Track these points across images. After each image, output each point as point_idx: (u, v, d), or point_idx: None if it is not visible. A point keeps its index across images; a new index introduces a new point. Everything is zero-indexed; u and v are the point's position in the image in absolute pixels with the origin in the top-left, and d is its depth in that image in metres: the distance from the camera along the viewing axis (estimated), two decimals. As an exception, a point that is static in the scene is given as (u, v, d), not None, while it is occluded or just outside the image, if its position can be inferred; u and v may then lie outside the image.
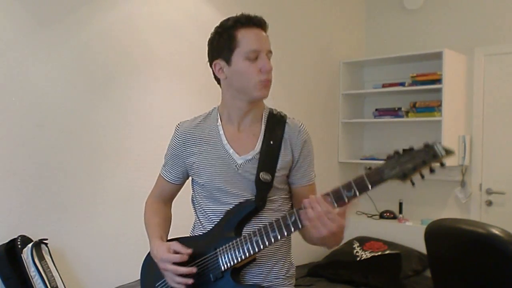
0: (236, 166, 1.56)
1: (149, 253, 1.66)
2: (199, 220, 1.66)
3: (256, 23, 1.56)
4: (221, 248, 1.51)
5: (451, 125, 3.91)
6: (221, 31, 1.58)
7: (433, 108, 3.97)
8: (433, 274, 2.28)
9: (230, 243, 1.49)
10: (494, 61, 3.95)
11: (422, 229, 2.29)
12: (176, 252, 1.51)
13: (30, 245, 2.50)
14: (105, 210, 2.94)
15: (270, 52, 1.55)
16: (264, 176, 1.53)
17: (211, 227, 1.59)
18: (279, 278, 1.59)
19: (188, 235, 1.69)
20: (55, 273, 2.55)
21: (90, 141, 2.87)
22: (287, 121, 1.63)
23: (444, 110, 3.83)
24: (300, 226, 1.39)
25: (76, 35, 2.81)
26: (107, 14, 2.93)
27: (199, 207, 1.66)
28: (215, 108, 1.68)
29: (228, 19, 1.59)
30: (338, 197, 1.36)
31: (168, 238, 1.67)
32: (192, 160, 1.62)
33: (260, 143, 1.57)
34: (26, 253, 2.48)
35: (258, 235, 1.44)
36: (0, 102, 2.54)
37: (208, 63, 1.65)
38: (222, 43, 1.55)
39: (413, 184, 1.35)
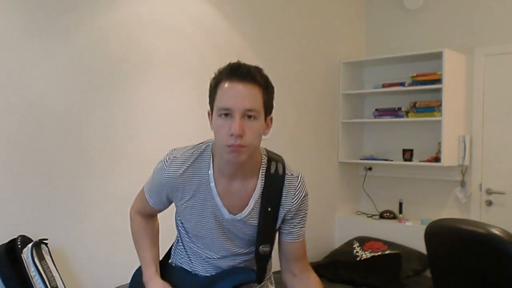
0: (222, 219, 1.50)
1: (138, 272, 1.67)
2: (183, 246, 1.64)
3: (239, 75, 1.34)
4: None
5: (451, 125, 3.91)
6: (211, 80, 1.43)
7: (433, 108, 3.97)
8: (433, 274, 2.28)
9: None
10: (494, 61, 3.95)
11: (422, 229, 2.29)
12: None
13: (30, 245, 2.50)
14: (105, 210, 2.94)
15: (251, 110, 1.33)
16: (264, 248, 1.50)
17: (200, 267, 1.59)
18: None
19: (172, 256, 1.71)
20: (55, 273, 2.55)
21: (90, 141, 2.87)
22: (285, 182, 1.49)
23: (444, 110, 3.83)
24: None
25: (75, 35, 2.81)
26: (107, 14, 2.93)
27: (183, 235, 1.62)
28: (209, 145, 1.51)
29: (220, 68, 1.42)
30: None
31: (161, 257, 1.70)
32: (179, 201, 1.53)
33: (252, 205, 1.47)
34: (26, 253, 2.48)
35: None
36: (0, 102, 2.54)
37: None
38: (209, 93, 1.43)
39: None
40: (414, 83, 4.09)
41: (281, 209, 1.49)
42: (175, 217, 1.67)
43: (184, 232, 1.62)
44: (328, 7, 4.40)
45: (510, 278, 1.85)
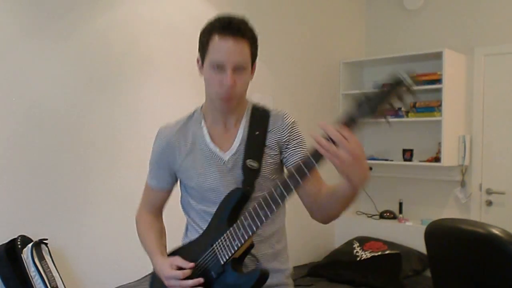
0: (224, 163, 1.54)
1: (153, 272, 1.66)
2: (193, 222, 1.63)
3: (230, 31, 1.44)
4: (217, 243, 1.49)
5: (451, 125, 3.91)
6: (203, 31, 1.53)
7: (433, 108, 3.97)
8: (433, 274, 2.28)
9: (225, 235, 1.47)
10: (494, 61, 3.95)
11: (422, 229, 2.29)
12: (179, 267, 1.51)
13: (30, 245, 2.50)
14: (105, 210, 2.94)
15: (242, 63, 1.46)
16: (250, 163, 1.51)
17: (206, 226, 1.58)
18: (283, 275, 1.60)
19: (182, 242, 1.68)
20: (55, 273, 2.55)
21: (90, 141, 2.87)
22: (271, 113, 1.61)
23: (444, 110, 3.83)
24: (286, 195, 1.35)
25: (75, 35, 2.81)
26: (106, 14, 2.93)
27: (191, 210, 1.63)
28: (197, 109, 1.65)
29: (212, 20, 1.53)
30: (346, 121, 1.32)
31: (168, 251, 1.67)
32: (179, 164, 1.59)
33: (241, 135, 1.55)
34: (26, 253, 2.48)
35: (249, 218, 1.41)
36: (0, 102, 2.54)
37: None
38: (200, 44, 1.53)
39: (388, 122, 1.26)
40: (414, 83, 4.08)
41: (269, 134, 1.56)
42: (181, 202, 1.69)
43: (193, 194, 1.61)
44: (328, 7, 4.40)
45: (510, 278, 1.85)
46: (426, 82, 4.00)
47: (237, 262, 1.47)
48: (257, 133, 1.55)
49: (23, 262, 2.47)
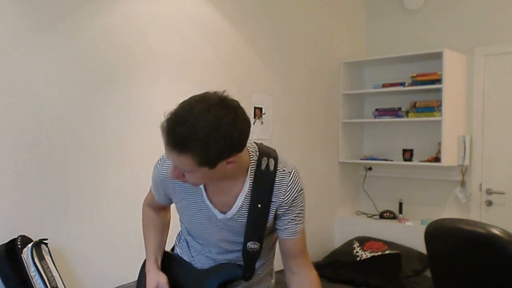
0: (216, 220, 1.51)
1: (143, 265, 1.72)
2: (184, 238, 1.69)
3: (170, 143, 1.29)
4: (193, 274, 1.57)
5: (451, 125, 3.91)
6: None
7: (433, 108, 3.97)
8: (433, 274, 2.28)
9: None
10: (494, 61, 3.96)
11: (422, 229, 2.28)
12: None
13: (30, 245, 2.50)
14: (105, 210, 2.94)
15: (187, 171, 1.33)
16: (252, 246, 1.48)
17: (198, 258, 1.64)
18: None
19: (175, 250, 1.74)
20: (55, 273, 2.55)
21: (90, 141, 2.87)
22: (276, 179, 1.46)
23: (444, 110, 3.84)
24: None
25: (76, 36, 2.81)
26: (107, 14, 2.93)
27: (184, 229, 1.68)
28: None
29: (166, 116, 1.35)
30: None
31: (166, 248, 1.72)
32: (175, 201, 1.59)
33: (241, 202, 1.46)
34: (26, 253, 2.48)
35: None
36: (0, 102, 2.54)
37: None
38: None
39: None
40: (414, 83, 4.09)
41: (272, 205, 1.47)
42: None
43: (184, 226, 1.67)
44: (328, 7, 4.40)
45: (510, 278, 1.85)
46: (426, 82, 4.00)
47: None
48: (259, 206, 1.45)
49: (23, 262, 2.47)
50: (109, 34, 2.94)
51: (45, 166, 2.70)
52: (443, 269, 2.21)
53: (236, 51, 3.61)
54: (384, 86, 4.32)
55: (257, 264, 1.57)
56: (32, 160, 2.65)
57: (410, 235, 3.97)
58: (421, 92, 4.14)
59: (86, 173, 2.86)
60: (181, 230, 1.74)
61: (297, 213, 1.51)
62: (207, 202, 1.49)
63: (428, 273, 3.43)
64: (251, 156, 1.47)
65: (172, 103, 1.56)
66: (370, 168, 4.60)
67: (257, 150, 1.49)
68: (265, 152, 1.49)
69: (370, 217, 4.47)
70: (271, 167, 1.46)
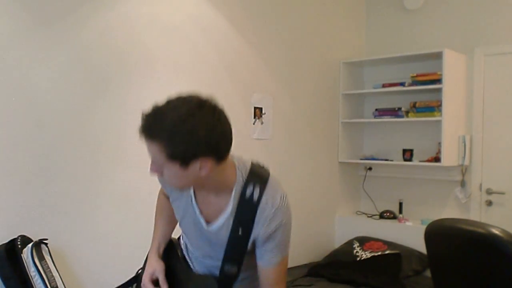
0: (201, 227, 1.53)
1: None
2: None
3: (142, 130, 1.39)
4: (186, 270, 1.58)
5: (451, 125, 3.91)
6: None
7: (433, 108, 3.97)
8: (433, 274, 2.28)
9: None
10: (494, 61, 3.95)
11: (422, 229, 2.28)
12: (155, 282, 1.58)
13: (30, 245, 2.50)
14: (105, 210, 2.94)
15: (155, 162, 1.37)
16: (229, 269, 1.49)
17: (189, 256, 1.67)
18: None
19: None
20: (55, 273, 2.55)
21: (89, 141, 2.87)
22: (258, 210, 1.43)
23: (444, 110, 3.83)
24: None
25: (75, 36, 2.81)
26: (106, 14, 2.93)
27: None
28: None
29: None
30: None
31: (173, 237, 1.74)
32: (171, 199, 1.62)
33: (222, 222, 1.47)
34: (26, 253, 2.48)
35: None
36: (0, 102, 2.54)
37: None
38: None
39: None
40: (414, 83, 4.09)
41: (252, 234, 1.46)
42: None
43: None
44: (328, 7, 4.40)
45: (510, 278, 1.85)
46: (426, 82, 4.00)
47: None
48: (239, 233, 1.44)
49: (23, 262, 2.47)
50: (108, 35, 2.94)
51: (45, 166, 2.70)
52: (443, 269, 2.21)
53: (236, 52, 3.61)
54: (384, 86, 4.32)
55: (237, 283, 1.57)
56: (32, 160, 2.65)
57: (410, 235, 3.97)
58: (421, 92, 4.14)
59: (86, 173, 2.86)
60: None
61: (276, 245, 1.47)
62: (195, 208, 1.51)
63: (428, 273, 3.43)
64: (238, 176, 1.45)
65: None
66: (370, 168, 4.60)
67: (247, 171, 1.47)
68: (255, 176, 1.46)
69: (370, 217, 4.46)
70: (255, 197, 1.43)
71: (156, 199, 1.81)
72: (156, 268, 1.61)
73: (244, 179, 1.45)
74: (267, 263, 1.49)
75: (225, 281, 1.51)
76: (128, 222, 2.97)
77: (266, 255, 1.48)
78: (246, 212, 1.43)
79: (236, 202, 1.44)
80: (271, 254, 1.48)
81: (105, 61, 2.93)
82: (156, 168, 1.36)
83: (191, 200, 1.52)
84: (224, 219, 1.47)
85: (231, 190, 1.44)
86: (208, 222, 1.51)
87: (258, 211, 1.43)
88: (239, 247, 1.46)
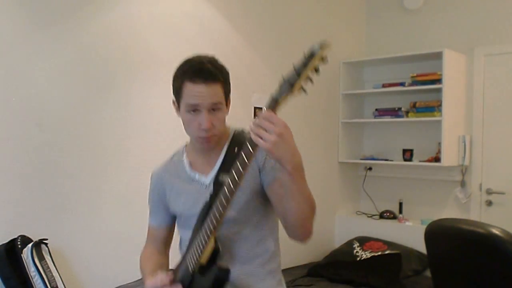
0: (205, 187, 1.55)
1: None
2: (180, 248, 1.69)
3: (202, 77, 1.46)
4: (188, 255, 1.54)
5: (451, 125, 3.91)
6: (175, 75, 1.54)
7: (433, 108, 3.97)
8: (433, 274, 2.28)
9: (193, 245, 1.50)
10: (494, 61, 3.95)
11: (422, 229, 2.29)
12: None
13: (30, 245, 2.50)
14: (105, 210, 2.94)
15: (216, 103, 1.47)
16: (222, 177, 1.48)
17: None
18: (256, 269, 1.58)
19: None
20: (55, 273, 2.55)
21: (90, 141, 2.87)
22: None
23: (444, 110, 3.83)
24: (238, 181, 1.34)
25: (76, 36, 2.81)
26: (107, 14, 2.93)
27: (180, 241, 1.69)
28: (186, 144, 1.70)
29: (182, 65, 1.54)
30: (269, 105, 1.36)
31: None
32: (168, 196, 1.65)
33: (221, 157, 1.56)
34: (26, 253, 2.48)
35: (208, 219, 1.43)
36: (0, 102, 2.54)
37: None
38: (173, 88, 1.55)
39: (304, 91, 1.35)
40: (414, 83, 4.09)
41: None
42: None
43: (179, 223, 1.67)
44: (328, 7, 4.40)
45: (510, 278, 1.85)
46: (426, 82, 4.00)
47: (205, 268, 1.46)
48: (235, 150, 1.53)
49: (23, 262, 2.47)
50: (109, 35, 2.94)
51: (45, 166, 2.70)
52: (443, 269, 2.21)
53: (236, 51, 3.61)
54: (384, 86, 4.32)
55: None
56: (32, 160, 2.65)
57: (410, 235, 3.97)
58: (421, 92, 4.14)
59: (86, 173, 2.86)
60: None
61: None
62: (192, 173, 1.60)
63: (428, 273, 3.43)
64: (229, 128, 1.63)
65: (172, 103, 1.57)
66: (370, 168, 4.60)
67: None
68: (240, 130, 1.65)
69: (370, 217, 4.46)
70: (246, 130, 1.60)
71: (140, 260, 1.75)
72: (159, 279, 1.54)
73: (235, 129, 1.64)
74: (273, 175, 1.53)
75: (217, 191, 1.46)
76: (129, 222, 2.97)
77: (273, 168, 1.52)
78: (240, 140, 1.55)
79: (230, 139, 1.60)
80: (274, 168, 1.52)
81: (106, 60, 2.93)
82: (209, 119, 1.46)
83: (189, 171, 1.60)
84: (222, 156, 1.57)
85: (227, 138, 1.60)
86: (206, 176, 1.57)
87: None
88: (233, 158, 1.45)
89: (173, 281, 1.53)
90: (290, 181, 1.36)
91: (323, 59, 1.35)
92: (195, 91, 1.46)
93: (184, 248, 1.61)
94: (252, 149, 1.30)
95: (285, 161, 1.33)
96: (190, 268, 1.51)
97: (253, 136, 1.28)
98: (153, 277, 1.56)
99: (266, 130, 1.28)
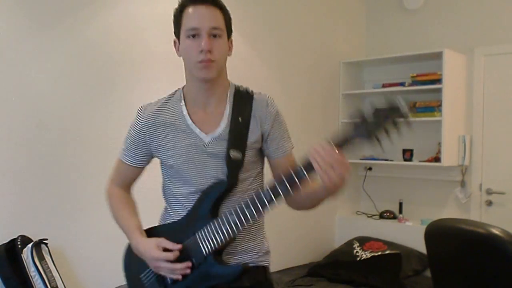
0: (203, 145, 1.53)
1: (128, 246, 1.69)
2: (171, 208, 1.63)
3: (201, 1, 1.49)
4: (199, 232, 1.50)
5: (451, 125, 3.91)
6: (176, 11, 1.55)
7: (433, 108, 3.97)
8: (433, 274, 2.28)
9: (209, 227, 1.48)
10: (494, 61, 3.95)
11: (422, 229, 2.29)
12: (165, 249, 1.51)
13: (30, 245, 2.50)
14: (105, 210, 2.93)
15: (216, 28, 1.49)
16: (234, 154, 1.51)
17: (185, 213, 1.57)
18: (257, 254, 1.60)
19: (160, 224, 1.68)
20: (55, 273, 2.55)
21: (90, 141, 2.87)
22: (254, 96, 1.60)
23: (444, 110, 3.83)
24: (275, 201, 1.40)
25: (76, 36, 2.81)
26: (107, 14, 2.93)
27: (170, 194, 1.63)
28: (179, 89, 1.67)
29: None
30: (338, 143, 1.39)
31: (144, 228, 1.66)
32: (158, 143, 1.59)
33: (226, 120, 1.54)
34: (26, 253, 2.48)
35: (234, 214, 1.44)
36: (0, 102, 2.54)
37: None
38: (174, 22, 1.55)
39: (380, 143, 1.34)
40: (414, 83, 4.09)
41: (252, 120, 1.55)
42: (162, 186, 1.68)
43: (171, 174, 1.61)
44: (328, 7, 4.40)
45: (510, 278, 1.85)
46: (426, 82, 4.00)
47: (218, 253, 1.50)
48: (240, 119, 1.54)
49: (23, 262, 2.47)
50: (110, 34, 2.94)
51: (45, 166, 2.70)
52: (443, 269, 2.21)
53: (235, 51, 3.60)
54: (384, 86, 4.32)
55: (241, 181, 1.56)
56: (32, 160, 2.65)
57: (410, 235, 3.97)
58: (421, 92, 4.13)
59: (86, 173, 2.86)
60: (165, 207, 1.68)
61: (284, 130, 1.62)
62: (192, 126, 1.55)
63: (428, 273, 3.42)
64: (230, 83, 1.63)
65: (173, 45, 1.60)
66: (370, 168, 4.60)
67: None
68: (241, 86, 1.66)
69: (370, 217, 4.46)
70: (249, 90, 1.63)
71: (108, 200, 1.75)
72: (158, 241, 1.53)
73: (234, 84, 1.64)
74: (283, 150, 1.60)
75: (232, 168, 1.51)
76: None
77: (282, 142, 1.60)
78: (243, 100, 1.58)
79: (232, 95, 1.58)
80: (283, 140, 1.61)
81: (106, 60, 2.93)
82: (209, 42, 1.46)
83: (187, 123, 1.55)
84: (227, 116, 1.55)
85: (226, 95, 1.59)
86: (209, 133, 1.54)
87: (255, 98, 1.60)
88: (241, 132, 1.53)
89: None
90: (325, 199, 1.53)
91: (406, 120, 1.34)
92: (195, 13, 1.47)
93: (182, 212, 1.57)
94: (308, 175, 1.36)
95: (335, 193, 1.44)
96: (203, 250, 1.49)
97: (320, 172, 1.32)
98: (152, 242, 1.53)
99: (333, 170, 1.31)
